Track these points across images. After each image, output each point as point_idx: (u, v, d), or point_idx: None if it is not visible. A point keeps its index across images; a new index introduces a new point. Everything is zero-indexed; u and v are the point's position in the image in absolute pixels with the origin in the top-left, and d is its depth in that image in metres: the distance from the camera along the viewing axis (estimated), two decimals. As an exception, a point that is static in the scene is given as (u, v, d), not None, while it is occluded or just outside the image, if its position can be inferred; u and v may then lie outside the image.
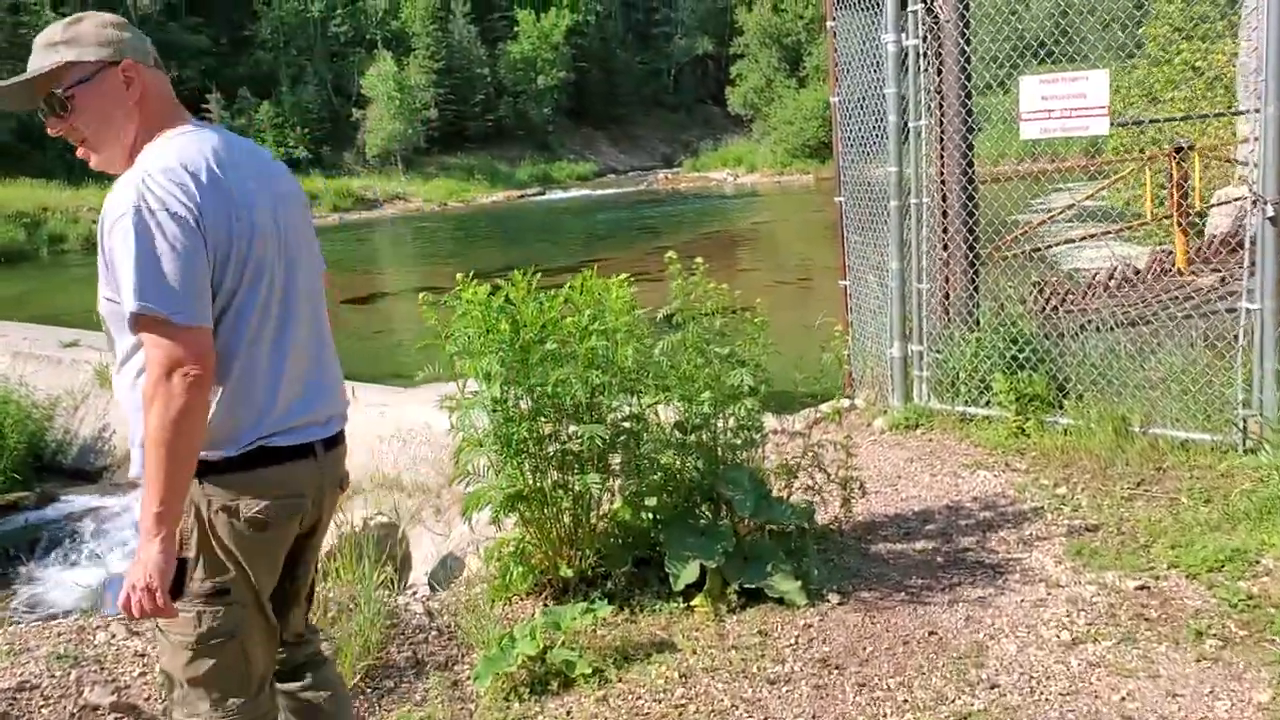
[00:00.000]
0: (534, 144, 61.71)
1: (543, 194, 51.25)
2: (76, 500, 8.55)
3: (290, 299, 2.14)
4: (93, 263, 2.12)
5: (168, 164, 1.99)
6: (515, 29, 62.67)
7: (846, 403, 6.56)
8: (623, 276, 3.62)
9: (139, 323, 1.92)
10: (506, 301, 3.37)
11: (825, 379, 4.41)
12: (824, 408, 5.26)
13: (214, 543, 2.07)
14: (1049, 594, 3.71)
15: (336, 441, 2.27)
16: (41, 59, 2.08)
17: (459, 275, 3.57)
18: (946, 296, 6.25)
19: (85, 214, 33.82)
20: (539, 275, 3.54)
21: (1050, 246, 10.18)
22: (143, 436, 1.93)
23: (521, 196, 50.34)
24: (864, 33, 6.31)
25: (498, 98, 60.79)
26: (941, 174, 6.15)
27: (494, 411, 3.35)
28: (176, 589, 1.95)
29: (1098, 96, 5.27)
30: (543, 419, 3.37)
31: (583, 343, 3.30)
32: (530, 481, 3.41)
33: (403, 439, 7.65)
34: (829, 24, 6.69)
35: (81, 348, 11.10)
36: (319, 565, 2.44)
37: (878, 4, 6.06)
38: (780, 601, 3.65)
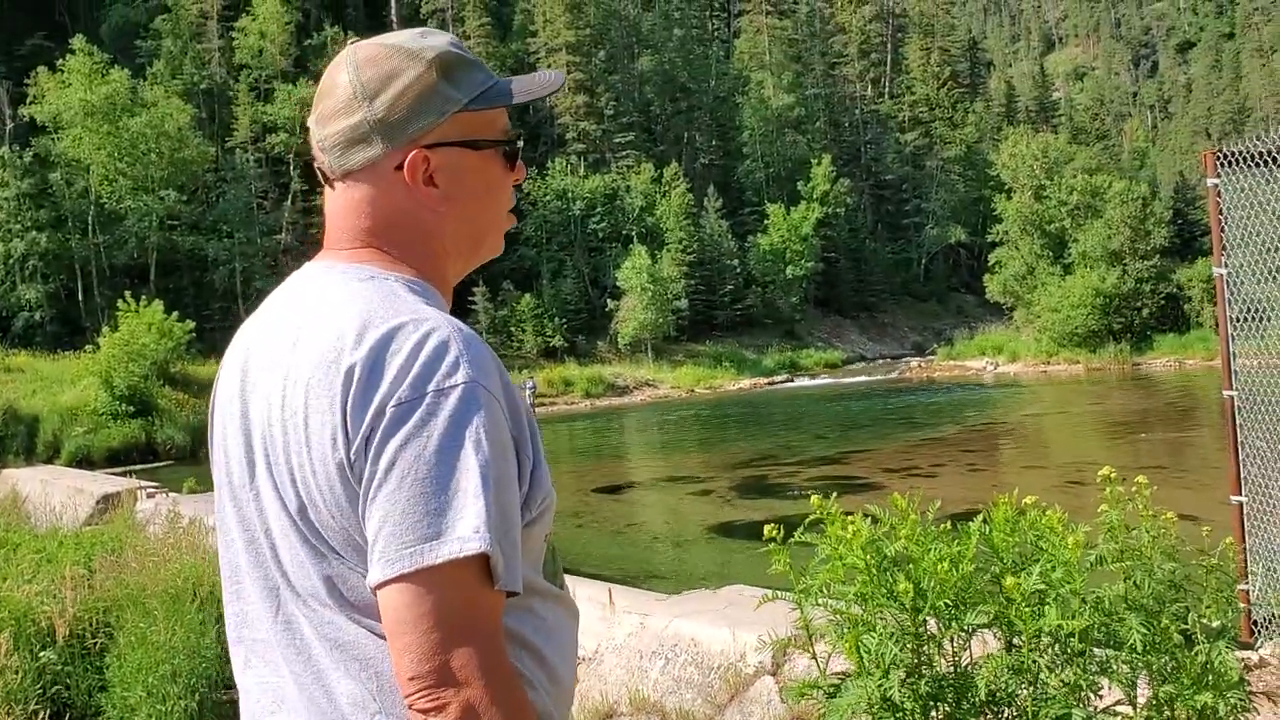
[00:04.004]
0: (781, 332, 61.53)
1: (790, 381, 50.51)
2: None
3: (239, 561, 1.30)
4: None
5: None
6: (765, 222, 63.70)
7: (1247, 655, 4.98)
8: (1055, 510, 2.45)
9: None
10: (893, 544, 2.26)
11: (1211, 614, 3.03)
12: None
13: None
14: None
15: None
16: None
17: (814, 498, 2.51)
18: None
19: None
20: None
21: None
22: None
23: (770, 384, 49.78)
24: (1266, 190, 5.20)
25: (746, 287, 61.38)
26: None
27: (879, 713, 2.20)
28: None
29: None
30: (953, 730, 2.19)
31: (1028, 624, 2.11)
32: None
33: (665, 656, 6.70)
34: (1210, 182, 5.50)
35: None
36: None
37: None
38: None
